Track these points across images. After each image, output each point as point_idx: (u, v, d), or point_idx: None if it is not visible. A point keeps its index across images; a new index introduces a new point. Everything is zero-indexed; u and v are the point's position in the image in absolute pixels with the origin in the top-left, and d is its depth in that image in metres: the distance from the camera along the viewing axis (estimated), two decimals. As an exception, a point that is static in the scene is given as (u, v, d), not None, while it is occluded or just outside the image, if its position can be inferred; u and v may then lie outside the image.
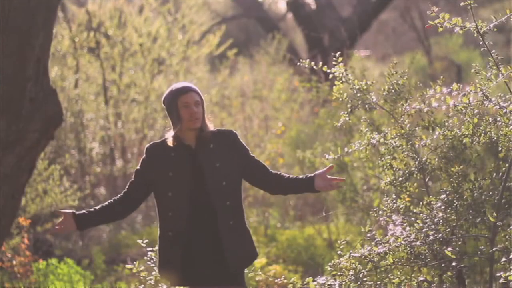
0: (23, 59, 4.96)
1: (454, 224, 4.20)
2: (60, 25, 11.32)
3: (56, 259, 7.26)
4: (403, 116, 4.42)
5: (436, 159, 4.45)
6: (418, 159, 4.41)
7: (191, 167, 4.06)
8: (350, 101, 4.49)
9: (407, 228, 4.18)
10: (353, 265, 4.07)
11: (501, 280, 3.88)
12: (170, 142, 4.09)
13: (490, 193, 4.24)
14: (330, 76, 4.52)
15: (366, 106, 4.50)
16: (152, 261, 4.48)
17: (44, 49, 5.09)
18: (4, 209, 5.08)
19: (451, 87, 4.11)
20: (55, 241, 9.28)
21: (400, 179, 4.44)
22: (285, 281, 4.19)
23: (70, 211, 4.11)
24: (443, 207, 4.22)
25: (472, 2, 3.98)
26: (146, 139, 11.15)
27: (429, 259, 4.12)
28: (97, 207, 4.18)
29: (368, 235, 4.18)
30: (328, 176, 4.04)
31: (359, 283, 4.04)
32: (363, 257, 4.07)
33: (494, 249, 4.12)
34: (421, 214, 4.23)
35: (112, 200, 4.18)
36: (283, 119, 11.41)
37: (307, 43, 16.81)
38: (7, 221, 5.18)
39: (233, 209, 4.07)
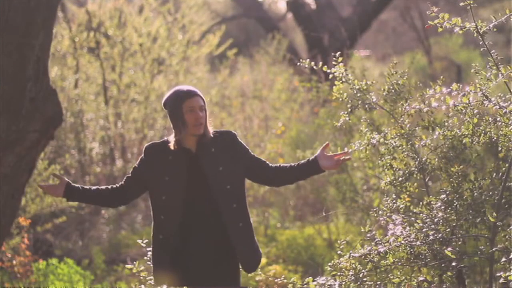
0: (23, 59, 4.96)
1: (454, 224, 4.20)
2: (60, 25, 11.31)
3: (56, 259, 7.26)
4: (403, 116, 4.42)
5: (436, 159, 4.45)
6: (418, 159, 4.41)
7: (190, 172, 4.05)
8: (350, 101, 4.49)
9: (407, 228, 4.18)
10: (353, 265, 4.07)
11: (501, 280, 3.88)
12: (171, 145, 4.08)
13: (490, 193, 4.24)
14: (330, 76, 4.51)
15: (366, 106, 4.50)
16: (151, 261, 4.49)
17: (44, 49, 5.09)
18: (4, 209, 5.08)
19: (451, 87, 4.10)
20: (55, 241, 9.28)
21: (400, 179, 4.44)
22: (285, 281, 4.19)
23: (66, 179, 4.20)
24: (443, 207, 4.22)
25: (472, 2, 3.97)
26: (146, 139, 11.14)
27: (429, 259, 4.12)
28: (92, 187, 4.25)
29: (368, 235, 4.18)
30: (330, 154, 4.06)
31: (359, 283, 4.04)
32: (363, 257, 4.07)
33: (494, 249, 4.12)
34: (421, 214, 4.23)
35: (108, 187, 4.23)
36: (283, 119, 11.41)
37: (307, 43, 16.80)
38: (7, 221, 5.17)
39: (240, 210, 4.08)
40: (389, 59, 18.01)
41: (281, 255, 8.31)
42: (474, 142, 4.19)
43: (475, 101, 4.09)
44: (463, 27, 4.02)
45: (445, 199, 4.25)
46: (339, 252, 4.20)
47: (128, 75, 11.28)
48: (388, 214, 4.36)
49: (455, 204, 4.23)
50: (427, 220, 4.14)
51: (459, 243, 4.24)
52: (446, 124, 4.29)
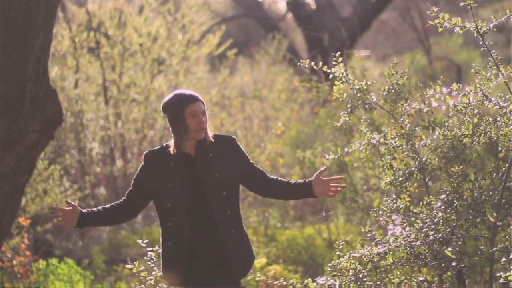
0: (23, 59, 4.97)
1: (454, 224, 4.20)
2: (60, 25, 11.31)
3: (56, 259, 7.26)
4: (403, 116, 4.42)
5: (436, 159, 4.45)
6: (418, 159, 4.41)
7: (190, 177, 4.05)
8: (350, 101, 4.49)
9: (407, 228, 4.18)
10: (353, 265, 4.07)
11: (501, 280, 3.88)
12: (171, 150, 4.06)
13: (490, 193, 4.24)
14: (330, 76, 4.51)
15: (366, 106, 4.50)
16: (152, 261, 4.49)
17: (44, 49, 5.10)
18: (4, 209, 5.08)
19: (451, 87, 4.10)
20: (55, 241, 9.28)
21: (400, 179, 4.44)
22: (284, 282, 4.19)
23: (79, 208, 4.09)
24: (443, 207, 4.22)
25: (472, 2, 3.97)
26: (146, 139, 11.15)
27: (429, 259, 4.12)
28: (100, 209, 4.17)
29: (368, 235, 4.18)
30: (325, 178, 4.03)
31: (359, 283, 4.04)
32: (363, 257, 4.07)
33: (494, 249, 4.12)
34: (421, 214, 4.23)
35: (113, 205, 4.16)
36: (283, 119, 11.41)
37: (307, 43, 16.80)
38: (7, 221, 5.18)
39: (233, 217, 4.08)
40: (389, 59, 18.01)
41: (281, 255, 8.31)
42: (474, 142, 4.19)
43: (475, 101, 4.08)
44: (463, 27, 4.02)
45: (445, 199, 4.25)
46: (338, 252, 4.20)
47: (128, 75, 11.28)
48: (388, 214, 4.36)
49: (455, 204, 4.23)
50: (427, 220, 4.14)
51: (459, 243, 4.24)
52: (446, 124, 4.29)
